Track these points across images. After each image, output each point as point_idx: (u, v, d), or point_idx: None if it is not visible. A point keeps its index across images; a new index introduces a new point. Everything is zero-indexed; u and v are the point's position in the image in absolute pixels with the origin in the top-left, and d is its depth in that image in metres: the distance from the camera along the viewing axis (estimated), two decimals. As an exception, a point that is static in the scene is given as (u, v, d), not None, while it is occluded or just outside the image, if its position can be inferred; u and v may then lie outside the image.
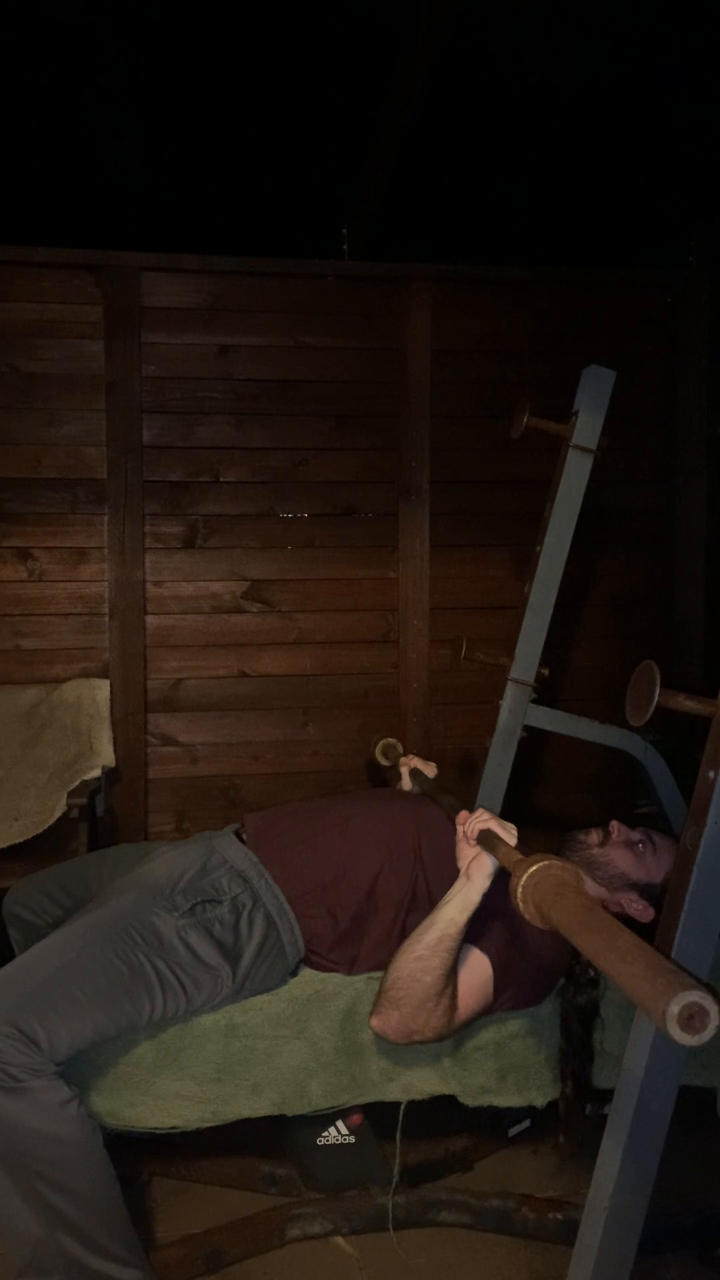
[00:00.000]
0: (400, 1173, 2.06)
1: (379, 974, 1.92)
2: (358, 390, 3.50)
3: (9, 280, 3.30)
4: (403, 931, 1.90)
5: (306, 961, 1.99)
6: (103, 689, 3.35)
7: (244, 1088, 1.92)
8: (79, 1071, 1.87)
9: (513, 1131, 2.34)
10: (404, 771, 2.49)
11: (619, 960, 1.26)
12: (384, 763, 2.89)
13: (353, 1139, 2.14)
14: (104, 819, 3.34)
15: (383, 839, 2.01)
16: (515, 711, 2.84)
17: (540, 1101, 2.02)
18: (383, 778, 3.07)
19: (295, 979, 1.99)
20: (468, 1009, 1.84)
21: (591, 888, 2.01)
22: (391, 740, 2.92)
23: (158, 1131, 1.92)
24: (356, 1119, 2.13)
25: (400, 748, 2.88)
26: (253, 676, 3.48)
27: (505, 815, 2.88)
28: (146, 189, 3.21)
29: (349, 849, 2.00)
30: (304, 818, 2.10)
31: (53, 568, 3.39)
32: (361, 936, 1.97)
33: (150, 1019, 1.83)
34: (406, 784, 2.47)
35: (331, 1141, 2.14)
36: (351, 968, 1.97)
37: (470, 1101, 1.99)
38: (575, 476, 2.80)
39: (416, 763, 2.48)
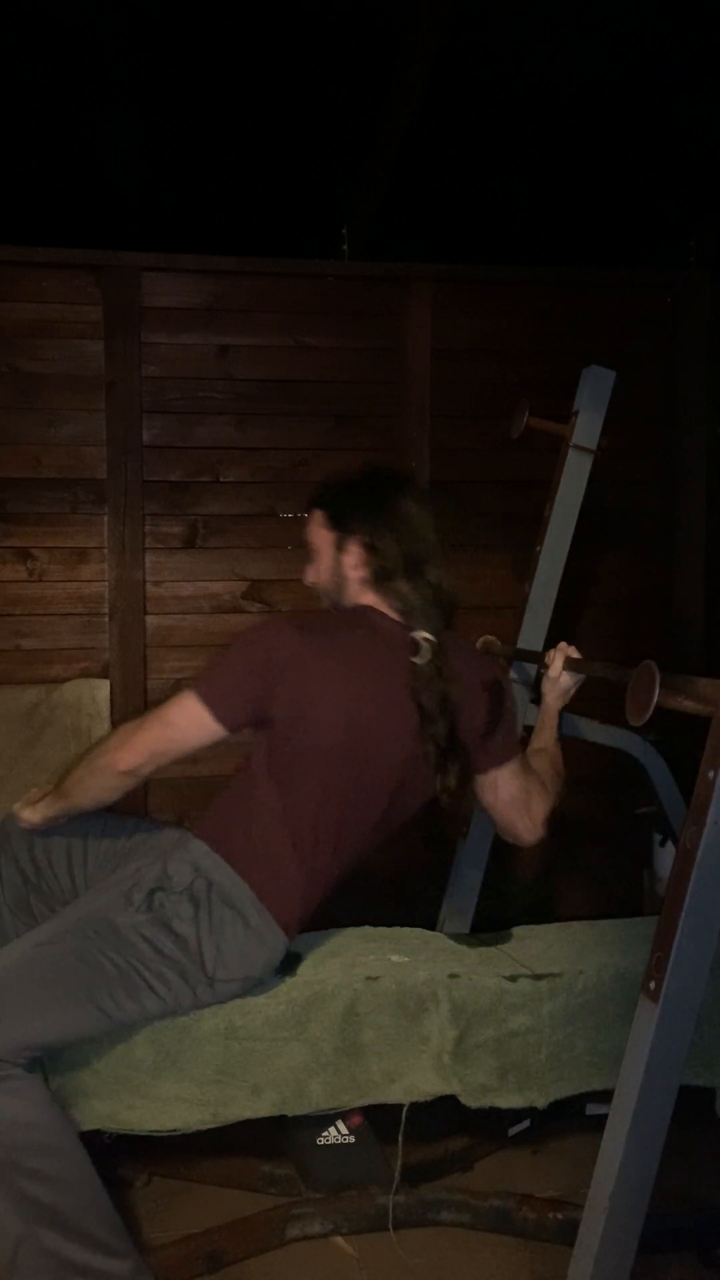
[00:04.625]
0: (400, 1172, 2.06)
1: (372, 957, 1.95)
2: (358, 390, 3.50)
3: (9, 280, 3.29)
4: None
5: (289, 930, 1.94)
6: (103, 689, 3.35)
7: (244, 1089, 1.92)
8: (78, 1076, 1.87)
9: (513, 1131, 2.34)
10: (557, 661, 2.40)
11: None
12: None
13: (353, 1139, 2.14)
14: (104, 819, 3.34)
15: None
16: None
17: (541, 1101, 2.02)
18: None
19: (293, 979, 1.99)
20: None
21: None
22: (491, 637, 2.89)
23: (158, 1134, 1.92)
24: (356, 1119, 2.13)
25: (499, 644, 2.83)
26: (253, 676, 3.48)
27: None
28: (146, 189, 3.21)
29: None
30: (232, 790, 2.06)
31: (53, 568, 3.38)
32: (314, 869, 1.95)
33: (126, 1018, 1.81)
34: (564, 680, 2.41)
35: (331, 1141, 2.14)
36: (325, 889, 1.98)
37: (472, 1102, 1.99)
38: (575, 476, 2.80)
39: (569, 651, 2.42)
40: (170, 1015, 1.88)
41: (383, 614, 2.01)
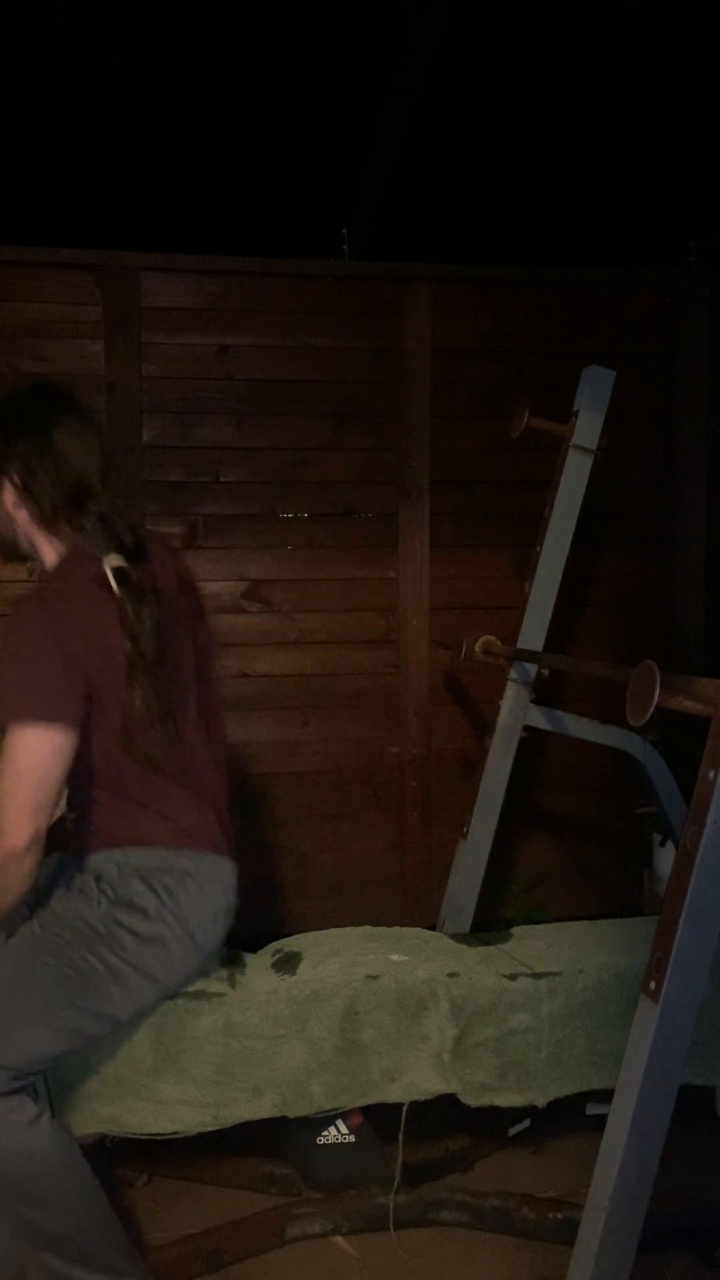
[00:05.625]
0: (400, 1172, 2.06)
1: (372, 956, 1.92)
2: (358, 390, 3.50)
3: (9, 280, 3.29)
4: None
5: (219, 848, 1.91)
6: (103, 689, 3.34)
7: (244, 1090, 1.92)
8: (80, 1079, 1.87)
9: (513, 1131, 2.34)
10: None
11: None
12: (489, 660, 2.85)
13: (353, 1138, 2.15)
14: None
15: None
16: (515, 711, 2.84)
17: (540, 1101, 2.02)
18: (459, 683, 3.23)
19: (294, 979, 1.99)
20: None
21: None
22: (491, 637, 2.89)
23: (160, 1137, 1.92)
24: (357, 1119, 2.13)
25: (499, 644, 2.83)
26: (253, 676, 3.48)
27: (505, 815, 2.91)
28: (146, 189, 3.21)
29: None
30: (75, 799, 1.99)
31: (53, 568, 3.38)
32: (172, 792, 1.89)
33: (125, 1011, 1.80)
34: None
35: (331, 1141, 2.14)
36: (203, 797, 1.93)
37: (472, 1101, 1.99)
38: (575, 476, 2.80)
39: None
40: (167, 995, 1.87)
41: (71, 558, 1.87)
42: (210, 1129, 1.93)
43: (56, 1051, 1.76)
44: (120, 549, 1.83)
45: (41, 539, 1.89)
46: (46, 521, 1.87)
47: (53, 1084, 1.85)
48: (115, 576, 1.80)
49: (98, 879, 1.87)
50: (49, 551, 1.90)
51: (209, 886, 1.89)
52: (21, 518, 1.88)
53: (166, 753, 1.86)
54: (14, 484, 1.86)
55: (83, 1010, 1.76)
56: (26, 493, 1.85)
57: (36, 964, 1.76)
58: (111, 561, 1.81)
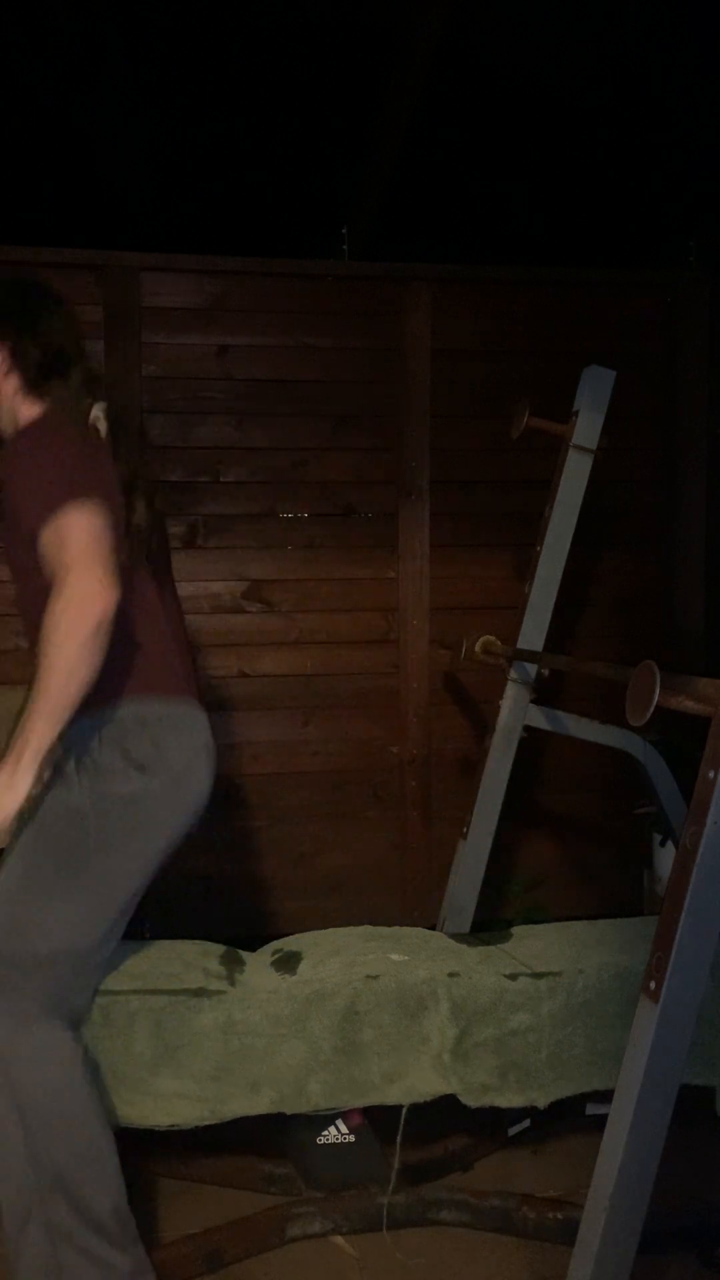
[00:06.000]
0: (400, 1172, 2.06)
1: (372, 956, 1.92)
2: (358, 390, 3.50)
3: (9, 280, 3.29)
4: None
5: (187, 690, 1.96)
6: (103, 689, 3.34)
7: (243, 1086, 1.92)
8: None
9: (513, 1131, 2.34)
10: None
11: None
12: (489, 660, 2.87)
13: (353, 1138, 2.14)
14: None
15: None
16: (515, 711, 2.84)
17: (541, 1101, 2.02)
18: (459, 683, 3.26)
19: (294, 978, 1.99)
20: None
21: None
22: (491, 637, 2.90)
23: (157, 1130, 1.92)
24: (356, 1118, 2.13)
25: (499, 644, 2.85)
26: (253, 676, 3.48)
27: (505, 815, 2.91)
28: (146, 189, 3.21)
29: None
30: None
31: (53, 568, 3.38)
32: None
33: (134, 878, 1.86)
34: None
35: (331, 1141, 2.14)
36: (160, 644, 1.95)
37: (472, 1101, 1.99)
38: (575, 476, 2.80)
39: None
40: (171, 845, 1.90)
41: (56, 409, 1.95)
42: (207, 1123, 1.93)
43: (80, 945, 1.81)
44: (105, 401, 1.97)
45: (25, 405, 1.97)
46: (34, 385, 1.96)
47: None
48: (106, 414, 1.93)
49: (76, 758, 1.86)
50: (22, 413, 1.98)
51: (188, 730, 1.93)
52: (9, 386, 1.97)
53: (160, 590, 1.97)
54: (6, 352, 1.96)
55: (93, 892, 1.82)
56: (15, 359, 1.96)
57: (37, 863, 1.82)
58: (99, 407, 1.94)
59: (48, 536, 1.74)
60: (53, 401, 1.96)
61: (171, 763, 1.89)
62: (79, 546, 1.72)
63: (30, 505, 1.78)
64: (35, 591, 1.82)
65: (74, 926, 1.81)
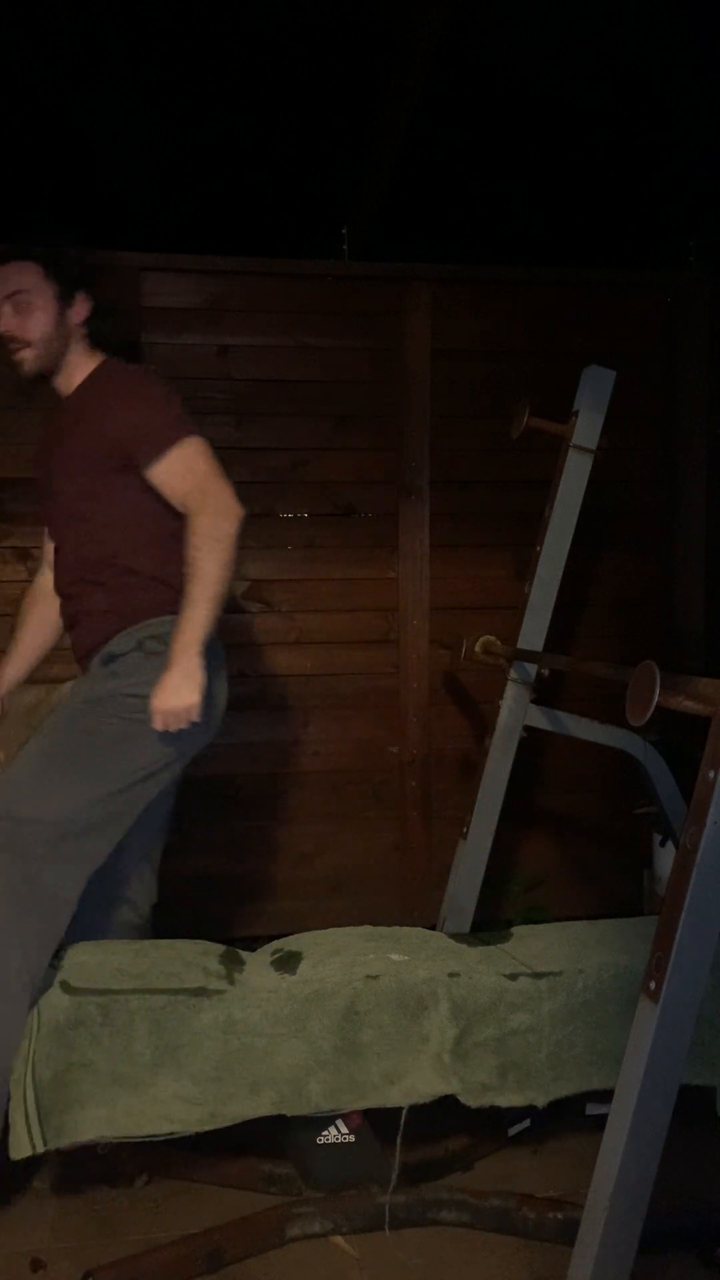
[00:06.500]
0: (400, 1172, 2.06)
1: (372, 956, 1.97)
2: (358, 390, 3.50)
3: (9, 280, 3.29)
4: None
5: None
6: (103, 689, 3.34)
7: (242, 1087, 1.92)
8: (74, 1079, 1.87)
9: (513, 1131, 2.34)
10: None
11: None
12: (489, 660, 2.89)
13: (353, 1138, 2.14)
14: (104, 819, 3.33)
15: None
16: (515, 711, 2.84)
17: (541, 1100, 2.02)
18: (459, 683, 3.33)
19: (294, 978, 1.99)
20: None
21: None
22: (491, 637, 2.90)
23: (156, 1138, 1.92)
24: (356, 1119, 2.13)
25: (499, 644, 2.88)
26: (252, 676, 3.48)
27: (505, 815, 2.91)
28: (146, 189, 3.21)
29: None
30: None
31: (53, 568, 3.38)
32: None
33: (144, 766, 2.11)
34: None
35: (331, 1140, 2.14)
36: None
37: (472, 1101, 1.99)
38: (575, 476, 2.80)
39: None
40: (183, 757, 2.20)
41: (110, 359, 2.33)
42: (207, 1128, 1.93)
43: (96, 817, 2.06)
44: None
45: (86, 359, 2.30)
46: (95, 342, 2.31)
47: (44, 1088, 1.85)
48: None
49: (110, 659, 2.19)
50: (84, 365, 2.30)
51: (215, 651, 2.24)
52: (80, 333, 2.28)
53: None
54: (87, 300, 2.28)
55: (107, 772, 2.08)
56: (91, 318, 2.28)
57: (57, 740, 2.15)
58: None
59: (172, 465, 2.14)
60: (108, 356, 2.28)
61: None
62: (211, 469, 2.15)
63: (144, 438, 2.14)
64: (89, 535, 2.22)
65: (85, 803, 2.04)
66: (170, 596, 2.20)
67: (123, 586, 2.24)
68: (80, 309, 2.28)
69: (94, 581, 2.26)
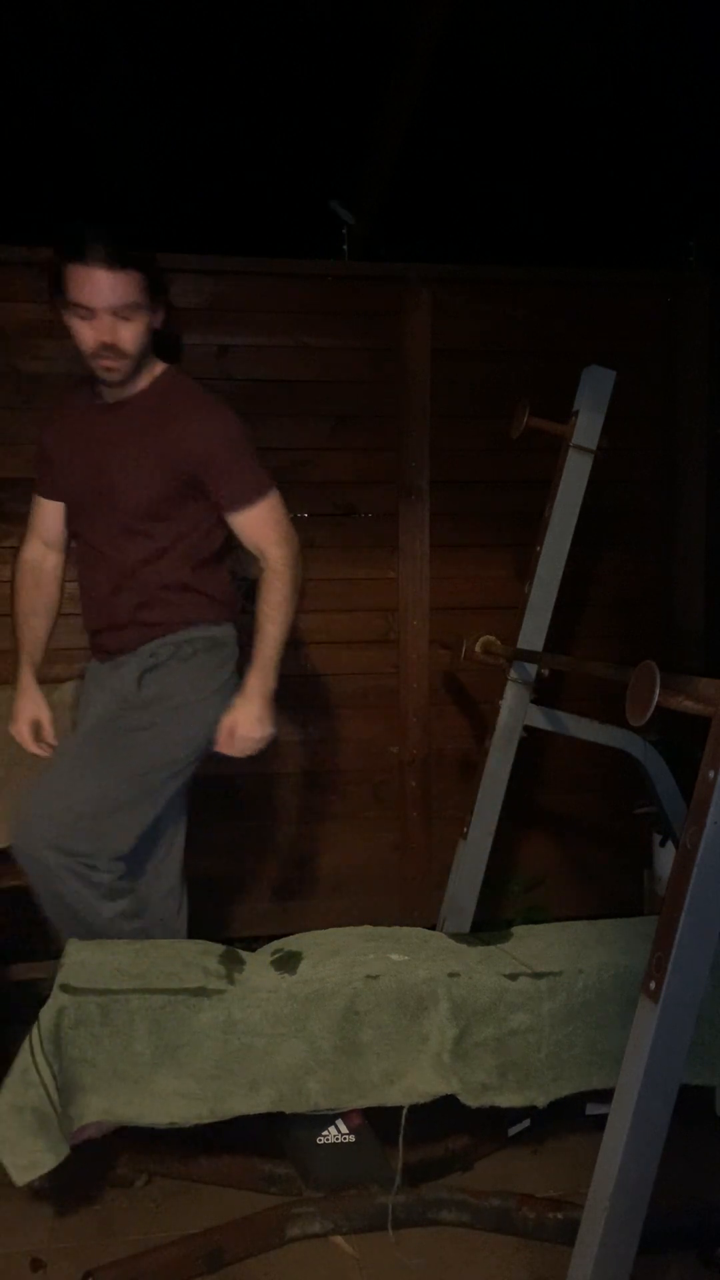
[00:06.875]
0: (400, 1172, 2.06)
1: (372, 956, 1.96)
2: (358, 390, 3.50)
3: (9, 280, 3.29)
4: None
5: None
6: (103, 689, 3.34)
7: (242, 1085, 1.92)
8: (76, 1071, 1.87)
9: (513, 1131, 2.34)
10: None
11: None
12: (489, 660, 2.90)
13: (353, 1138, 2.15)
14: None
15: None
16: (515, 711, 2.84)
17: (541, 1100, 2.02)
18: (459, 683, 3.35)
19: (294, 978, 1.99)
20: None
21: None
22: (491, 637, 2.91)
23: (155, 1127, 1.92)
24: (356, 1118, 2.13)
25: (499, 644, 2.89)
26: (253, 676, 3.47)
27: (505, 815, 2.92)
28: (146, 189, 3.21)
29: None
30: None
31: (53, 568, 3.38)
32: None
33: (170, 752, 2.23)
34: None
35: (331, 1140, 2.14)
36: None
37: (472, 1101, 1.99)
38: (575, 476, 2.80)
39: None
40: (207, 739, 2.27)
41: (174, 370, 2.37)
42: (205, 1122, 1.93)
43: (101, 807, 2.17)
44: None
45: (151, 361, 2.30)
46: (157, 349, 2.31)
47: (59, 1074, 1.86)
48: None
49: (150, 666, 2.27)
50: (147, 371, 2.30)
51: (230, 650, 2.35)
52: (150, 344, 2.27)
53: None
54: (164, 309, 2.28)
55: (116, 763, 2.18)
56: (167, 315, 2.31)
57: (79, 739, 2.28)
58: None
59: (259, 514, 2.29)
60: (165, 362, 2.32)
61: (216, 677, 2.31)
62: (286, 522, 2.32)
63: (233, 482, 2.26)
64: (155, 555, 2.29)
65: (94, 791, 2.16)
66: (210, 606, 2.35)
67: (176, 603, 2.32)
68: (159, 316, 2.27)
69: (149, 597, 2.31)
